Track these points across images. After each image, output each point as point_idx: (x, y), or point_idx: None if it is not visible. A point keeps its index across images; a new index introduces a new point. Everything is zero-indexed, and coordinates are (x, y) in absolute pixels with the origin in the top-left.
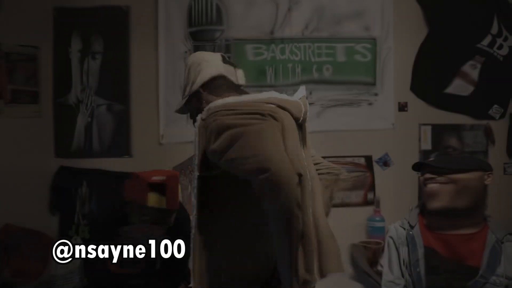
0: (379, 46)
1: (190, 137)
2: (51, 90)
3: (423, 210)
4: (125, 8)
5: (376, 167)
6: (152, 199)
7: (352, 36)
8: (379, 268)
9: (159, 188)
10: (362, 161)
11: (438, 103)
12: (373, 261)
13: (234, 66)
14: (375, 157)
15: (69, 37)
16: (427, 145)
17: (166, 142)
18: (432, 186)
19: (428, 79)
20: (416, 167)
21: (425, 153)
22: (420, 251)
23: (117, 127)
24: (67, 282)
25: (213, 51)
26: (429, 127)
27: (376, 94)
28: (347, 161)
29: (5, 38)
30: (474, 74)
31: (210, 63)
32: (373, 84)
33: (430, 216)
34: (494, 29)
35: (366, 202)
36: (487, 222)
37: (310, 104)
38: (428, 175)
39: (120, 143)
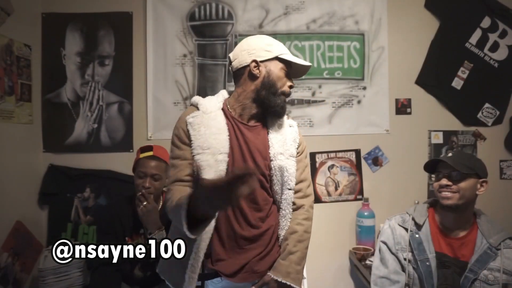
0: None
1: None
2: (48, 89)
3: (435, 206)
4: (131, 13)
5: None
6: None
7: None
8: (367, 262)
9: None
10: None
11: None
12: (361, 259)
13: None
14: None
15: (62, 38)
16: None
17: (154, 138)
18: (446, 193)
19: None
20: (429, 167)
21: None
22: (431, 256)
23: (124, 124)
24: (58, 277)
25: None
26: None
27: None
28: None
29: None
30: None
31: None
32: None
33: (443, 211)
34: (486, 22)
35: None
36: (476, 220)
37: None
38: (444, 182)
39: (128, 139)
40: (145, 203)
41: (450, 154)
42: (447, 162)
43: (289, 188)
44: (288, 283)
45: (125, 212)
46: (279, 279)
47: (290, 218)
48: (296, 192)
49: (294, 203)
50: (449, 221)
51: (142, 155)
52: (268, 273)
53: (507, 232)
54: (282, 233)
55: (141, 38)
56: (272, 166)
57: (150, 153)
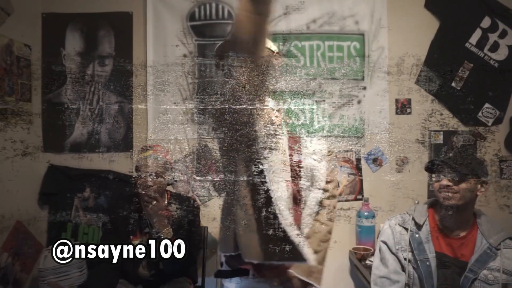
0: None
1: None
2: (49, 89)
3: (435, 206)
4: (131, 13)
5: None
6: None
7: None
8: (367, 262)
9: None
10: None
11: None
12: (361, 259)
13: None
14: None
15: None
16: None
17: (154, 138)
18: (447, 194)
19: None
20: (430, 167)
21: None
22: (431, 256)
23: (124, 124)
24: (58, 277)
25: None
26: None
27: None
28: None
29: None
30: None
31: None
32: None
33: (443, 211)
34: (486, 22)
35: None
36: (476, 220)
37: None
38: (444, 182)
39: (128, 139)
40: (154, 202)
41: (451, 154)
42: (448, 163)
43: (319, 188)
44: (310, 281)
45: (128, 211)
46: (302, 278)
47: (314, 217)
48: (323, 191)
49: (320, 203)
50: (449, 221)
51: (141, 155)
52: (290, 270)
53: (507, 232)
54: (305, 230)
55: (141, 38)
56: (304, 165)
57: (150, 152)
